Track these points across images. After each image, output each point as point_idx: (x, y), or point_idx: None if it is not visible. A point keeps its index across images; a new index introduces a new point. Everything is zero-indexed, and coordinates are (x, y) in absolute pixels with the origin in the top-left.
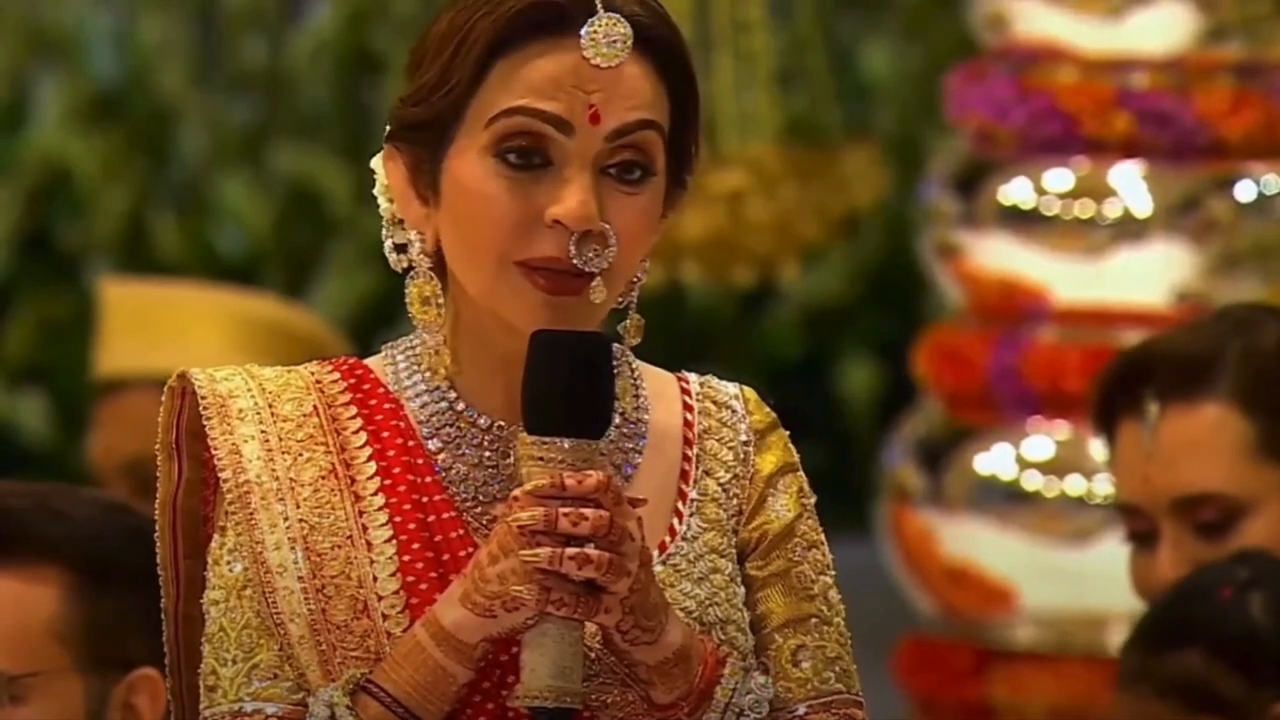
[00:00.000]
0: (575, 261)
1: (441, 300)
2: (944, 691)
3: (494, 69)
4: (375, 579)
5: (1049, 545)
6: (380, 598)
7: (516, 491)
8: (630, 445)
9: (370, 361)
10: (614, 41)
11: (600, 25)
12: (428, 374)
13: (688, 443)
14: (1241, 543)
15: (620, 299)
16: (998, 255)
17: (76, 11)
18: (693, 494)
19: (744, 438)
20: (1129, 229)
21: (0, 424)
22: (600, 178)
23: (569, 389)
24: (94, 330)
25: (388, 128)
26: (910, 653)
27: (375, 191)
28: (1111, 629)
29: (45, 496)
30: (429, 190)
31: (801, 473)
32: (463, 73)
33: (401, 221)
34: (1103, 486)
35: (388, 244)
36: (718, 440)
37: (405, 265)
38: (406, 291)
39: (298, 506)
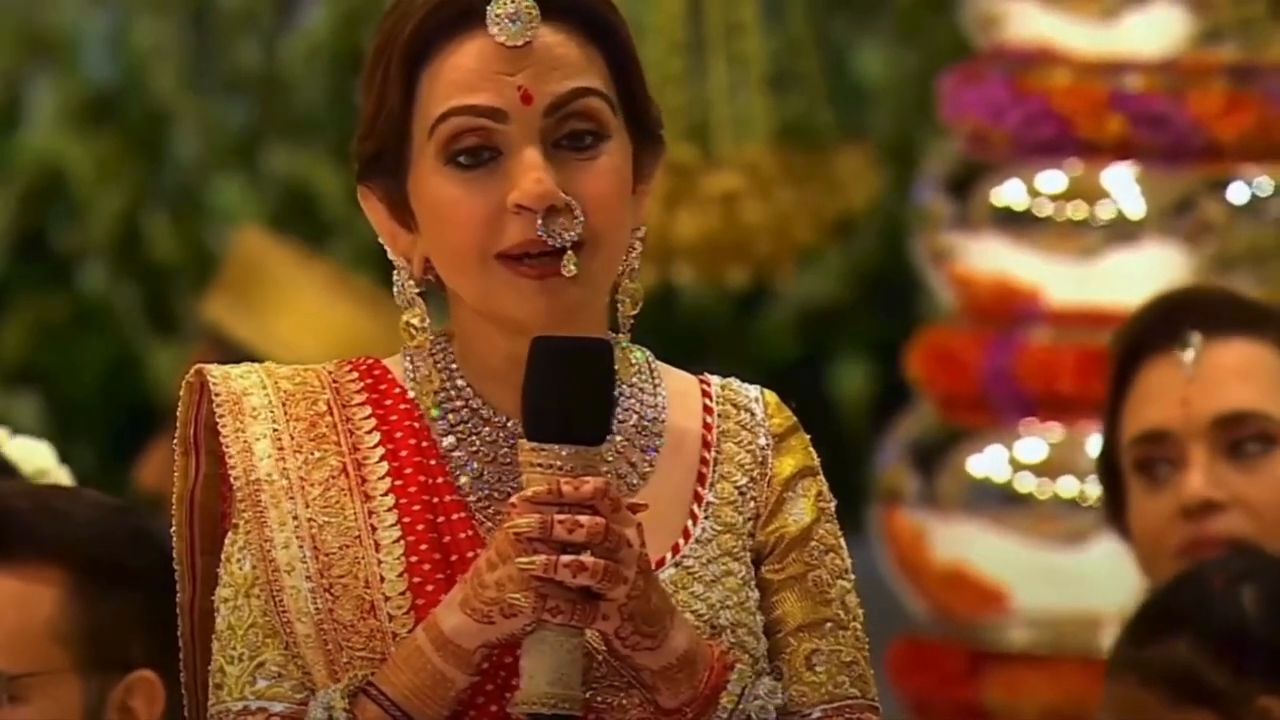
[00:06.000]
0: (545, 238)
1: (426, 325)
2: (938, 693)
3: (420, 82)
4: (382, 579)
5: (1042, 547)
6: (387, 598)
7: (514, 498)
8: (647, 445)
9: (388, 361)
10: (517, 17)
11: (502, 5)
12: (443, 369)
13: (706, 445)
14: (1271, 472)
15: (619, 271)
16: (991, 257)
17: (71, 13)
18: (709, 497)
19: (763, 441)
20: (1122, 231)
21: None
22: (554, 152)
23: (567, 396)
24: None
25: (356, 173)
26: (903, 655)
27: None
28: (1105, 630)
29: (47, 497)
30: (407, 216)
31: (821, 476)
32: (393, 96)
33: None
34: (1095, 488)
35: (397, 286)
36: (736, 443)
37: (399, 297)
38: (402, 321)
39: (307, 505)
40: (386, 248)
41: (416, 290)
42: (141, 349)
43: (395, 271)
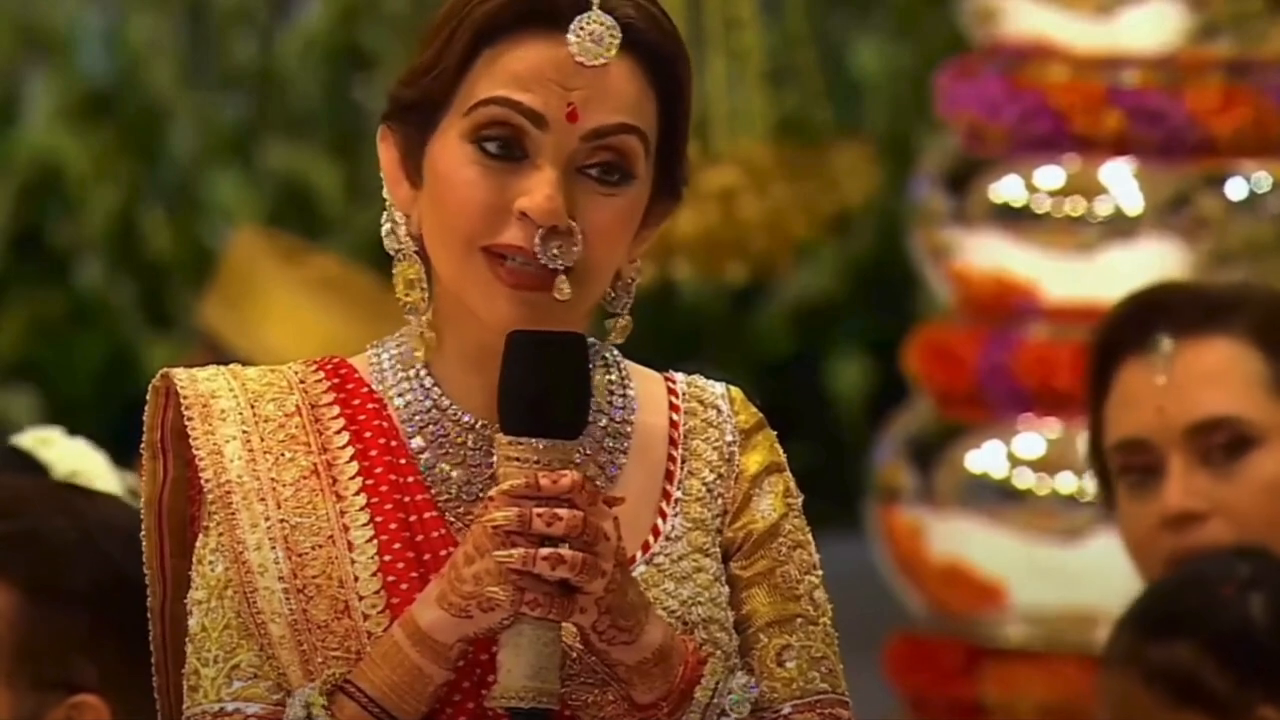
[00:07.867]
0: (539, 256)
1: (425, 284)
2: (935, 690)
3: (481, 56)
4: (356, 579)
5: (1039, 543)
6: (361, 598)
7: (492, 491)
8: (615, 445)
9: (354, 361)
10: (600, 40)
11: (589, 22)
12: (410, 367)
13: (673, 443)
14: (1249, 476)
15: (610, 300)
16: (988, 253)
17: (67, 9)
18: (677, 494)
19: (729, 437)
20: (1119, 226)
21: None
22: (578, 176)
23: (544, 389)
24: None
25: (384, 110)
26: (901, 651)
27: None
28: (1102, 627)
29: (25, 511)
30: (415, 172)
31: (788, 472)
32: (451, 58)
33: None
34: (1093, 484)
35: (385, 228)
36: (703, 440)
37: (395, 248)
38: (394, 274)
39: (279, 506)
40: (385, 193)
41: (415, 248)
42: (138, 345)
43: (388, 216)
